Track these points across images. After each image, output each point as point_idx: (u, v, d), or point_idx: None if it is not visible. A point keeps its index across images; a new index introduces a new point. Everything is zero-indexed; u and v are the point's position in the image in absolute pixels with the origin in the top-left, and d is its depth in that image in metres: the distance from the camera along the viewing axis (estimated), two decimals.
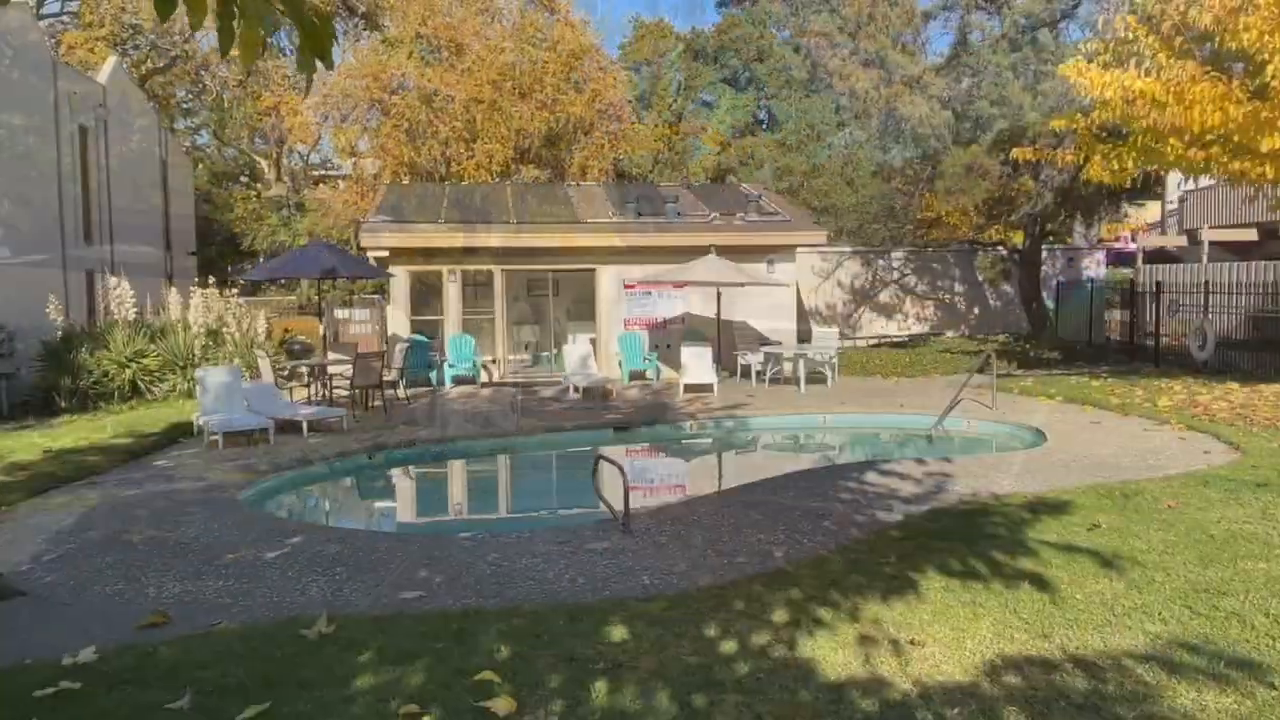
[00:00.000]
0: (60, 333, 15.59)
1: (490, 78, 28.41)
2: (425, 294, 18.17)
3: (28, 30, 17.72)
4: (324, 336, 19.46)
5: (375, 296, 26.19)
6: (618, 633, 4.58)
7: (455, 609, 5.07)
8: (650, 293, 18.34)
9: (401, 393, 16.22)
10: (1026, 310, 19.95)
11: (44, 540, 6.86)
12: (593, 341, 18.47)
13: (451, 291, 17.78)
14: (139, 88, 30.53)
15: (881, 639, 4.38)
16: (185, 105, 35.40)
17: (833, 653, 4.23)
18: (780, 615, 4.77)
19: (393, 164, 27.32)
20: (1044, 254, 23.63)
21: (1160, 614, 4.60)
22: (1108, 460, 9.37)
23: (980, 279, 22.11)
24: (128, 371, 15.41)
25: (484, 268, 17.84)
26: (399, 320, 17.63)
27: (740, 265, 16.99)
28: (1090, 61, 11.71)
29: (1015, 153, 13.35)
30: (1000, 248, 20.12)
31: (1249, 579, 5.07)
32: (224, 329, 16.80)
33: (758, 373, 16.75)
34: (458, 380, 17.30)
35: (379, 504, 10.87)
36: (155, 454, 10.78)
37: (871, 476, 8.65)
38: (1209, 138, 11.08)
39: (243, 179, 34.11)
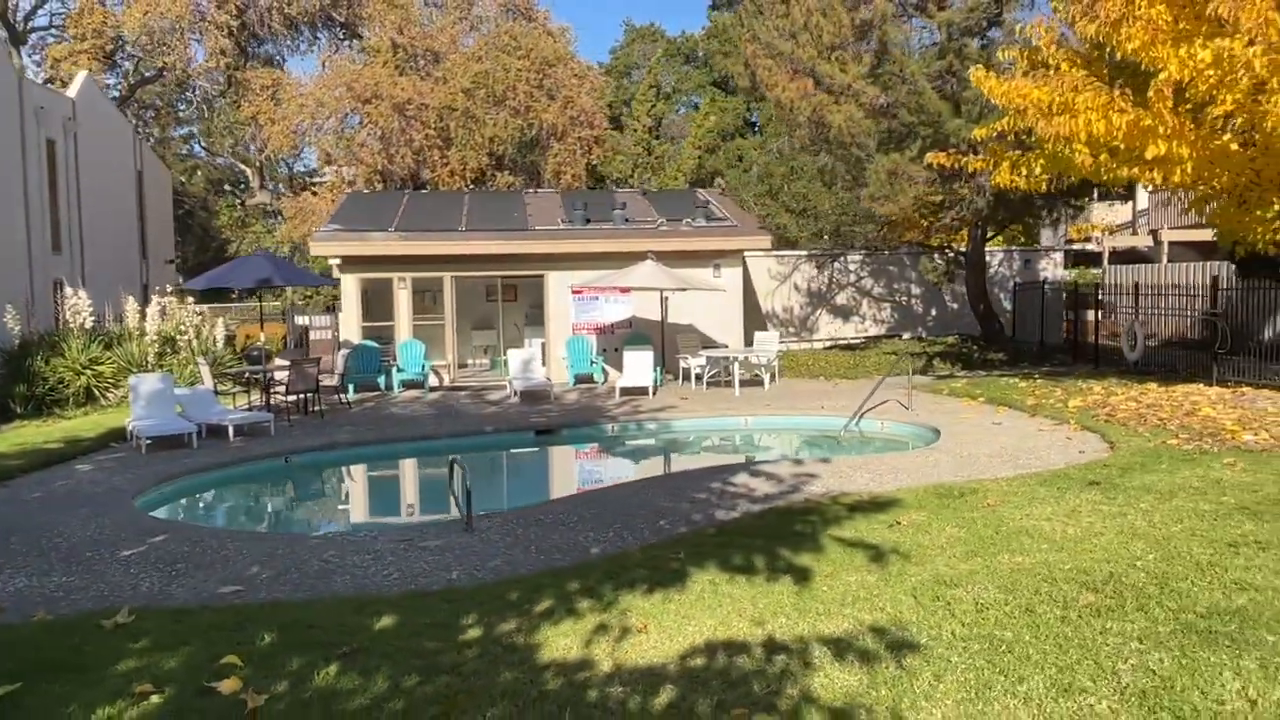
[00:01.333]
0: (18, 341, 16.14)
1: (463, 86, 28.90)
2: (378, 301, 18.63)
3: None
4: (284, 340, 19.97)
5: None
6: (384, 622, 4.99)
7: (255, 602, 5.50)
8: (597, 297, 18.74)
9: (349, 396, 16.71)
10: (975, 312, 20.22)
11: None
12: (544, 346, 18.91)
13: (402, 298, 18.24)
14: (127, 99, 31.23)
15: (615, 626, 4.77)
16: (179, 114, 36.10)
17: (561, 639, 4.63)
18: (544, 605, 5.17)
19: (366, 171, 27.85)
20: (1001, 256, 23.89)
21: (883, 603, 4.97)
22: (980, 459, 9.71)
23: (929, 281, 22.39)
24: (82, 378, 15.91)
25: (434, 275, 18.29)
26: (350, 326, 18.10)
27: (685, 270, 17.41)
28: (990, 70, 12.02)
29: (929, 158, 13.68)
30: (948, 250, 20.39)
31: (993, 571, 5.41)
32: (180, 336, 17.28)
33: (697, 375, 17.12)
34: (407, 385, 17.75)
35: (263, 505, 11.08)
36: (82, 459, 11.25)
37: (741, 477, 9.01)
38: (1099, 145, 11.36)
39: (226, 187, 34.71)
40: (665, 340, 18.28)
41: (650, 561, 6.02)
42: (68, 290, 16.66)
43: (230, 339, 19.70)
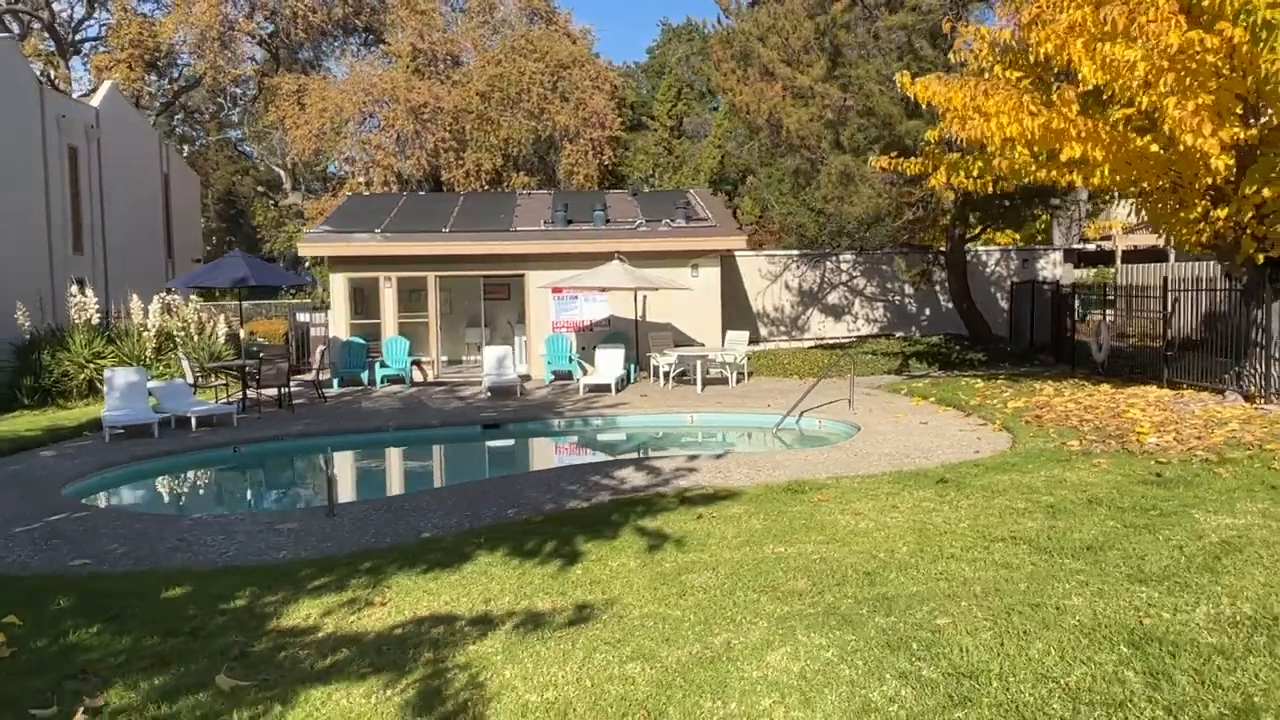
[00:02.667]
0: (28, 336, 17.32)
1: (479, 89, 29.67)
2: (372, 299, 19.44)
3: (12, 61, 19.60)
4: (285, 337, 20.94)
5: None
6: (174, 592, 5.60)
7: (86, 574, 6.16)
8: (576, 297, 19.27)
9: (333, 390, 17.54)
10: (959, 311, 20.20)
11: None
12: (525, 343, 19.52)
13: (387, 296, 19.02)
14: (170, 105, 32.75)
15: (362, 600, 5.29)
16: (222, 119, 37.68)
17: (306, 609, 5.17)
18: (322, 581, 5.71)
19: (382, 173, 28.82)
20: (998, 255, 23.72)
21: (614, 585, 5.38)
22: (871, 456, 9.99)
23: (904, 280, 22.38)
24: (85, 371, 17.01)
25: (418, 274, 19.02)
26: (339, 324, 18.94)
27: (657, 270, 17.87)
28: (951, 72, 12.19)
29: (872, 161, 13.85)
30: (930, 250, 20.39)
31: (744, 560, 5.77)
32: (179, 333, 18.29)
33: (666, 373, 17.52)
34: (390, 380, 18.52)
35: (179, 491, 11.53)
36: (52, 446, 12.19)
37: (625, 471, 9.45)
38: (1014, 148, 11.47)
39: (259, 188, 36.13)
40: (640, 339, 18.72)
41: (456, 545, 6.52)
42: (73, 289, 17.80)
43: (235, 335, 20.71)
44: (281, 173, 35.06)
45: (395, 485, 12.15)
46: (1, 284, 18.03)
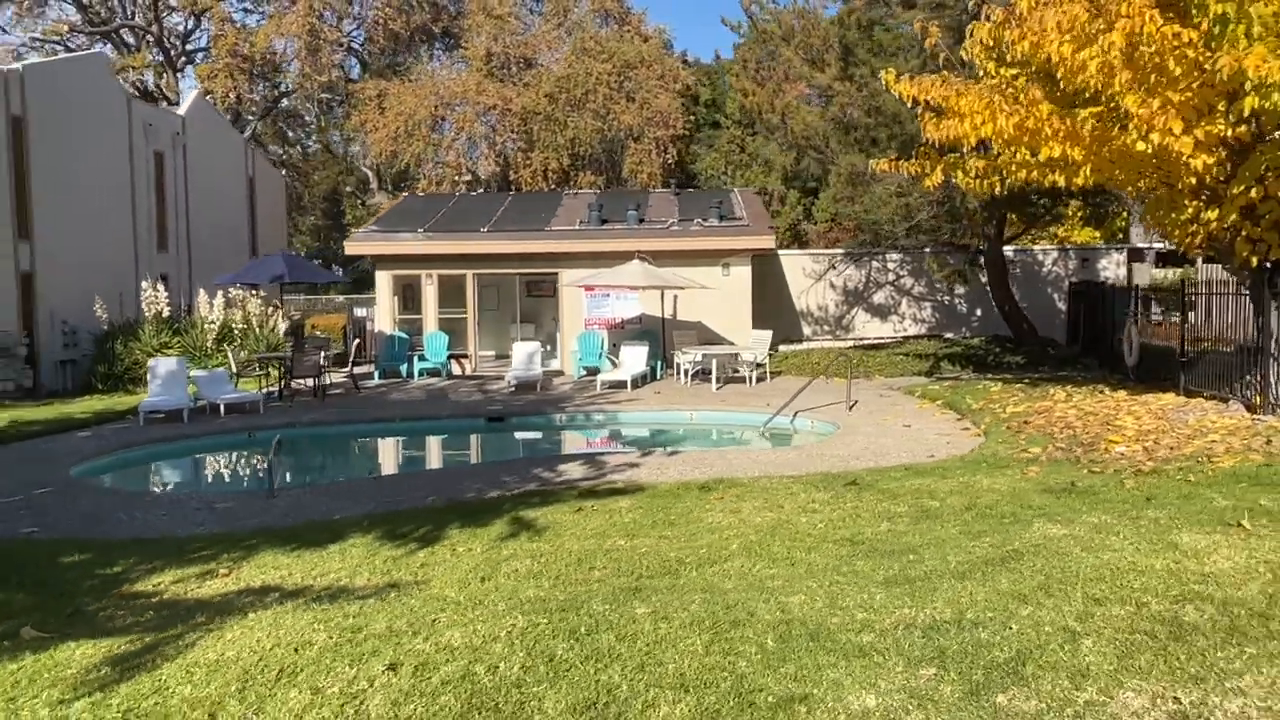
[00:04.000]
0: (105, 328, 18.99)
1: (547, 90, 30.46)
2: (414, 295, 20.41)
3: (103, 74, 21.45)
4: (343, 331, 22.18)
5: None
6: (75, 558, 6.34)
7: (19, 539, 6.99)
8: (609, 294, 19.72)
9: (374, 381, 18.57)
10: (1001, 313, 19.68)
11: None
12: (558, 339, 20.12)
13: (429, 293, 19.93)
14: (270, 110, 34.87)
15: (217, 571, 5.90)
16: (321, 123, 39.81)
17: (169, 577, 5.82)
18: (203, 554, 6.36)
19: (452, 174, 29.97)
20: (1055, 255, 22.91)
21: (439, 569, 5.81)
22: (826, 457, 10.09)
23: (935, 279, 21.86)
24: (155, 357, 18.54)
25: (458, 272, 19.85)
26: (384, 318, 19.98)
27: (684, 269, 18.24)
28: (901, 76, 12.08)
29: (873, 163, 13.75)
30: (970, 250, 19.87)
31: (574, 551, 6.11)
32: (238, 325, 19.65)
33: (687, 371, 17.79)
34: (427, 373, 19.41)
35: (169, 472, 12.31)
36: (91, 428, 13.45)
37: (570, 465, 9.89)
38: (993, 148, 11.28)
39: (347, 189, 38.00)
40: (667, 337, 19.04)
41: (344, 527, 7.09)
42: (145, 284, 19.36)
43: (295, 328, 22.06)
44: (370, 174, 36.80)
45: (362, 471, 12.87)
46: (89, 280, 19.72)
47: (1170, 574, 4.46)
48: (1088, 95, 10.35)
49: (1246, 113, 8.90)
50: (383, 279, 19.96)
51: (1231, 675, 3.32)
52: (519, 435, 14.51)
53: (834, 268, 22.59)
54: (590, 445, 13.89)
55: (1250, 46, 8.59)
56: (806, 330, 23.01)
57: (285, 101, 37.07)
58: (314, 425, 13.79)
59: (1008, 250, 20.58)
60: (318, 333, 22.78)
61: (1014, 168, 11.50)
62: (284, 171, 39.49)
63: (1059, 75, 10.38)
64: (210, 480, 12.38)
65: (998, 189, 13.22)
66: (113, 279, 20.29)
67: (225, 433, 13.20)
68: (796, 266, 22.84)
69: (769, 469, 9.35)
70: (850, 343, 22.31)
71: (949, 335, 22.42)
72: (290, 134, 40.34)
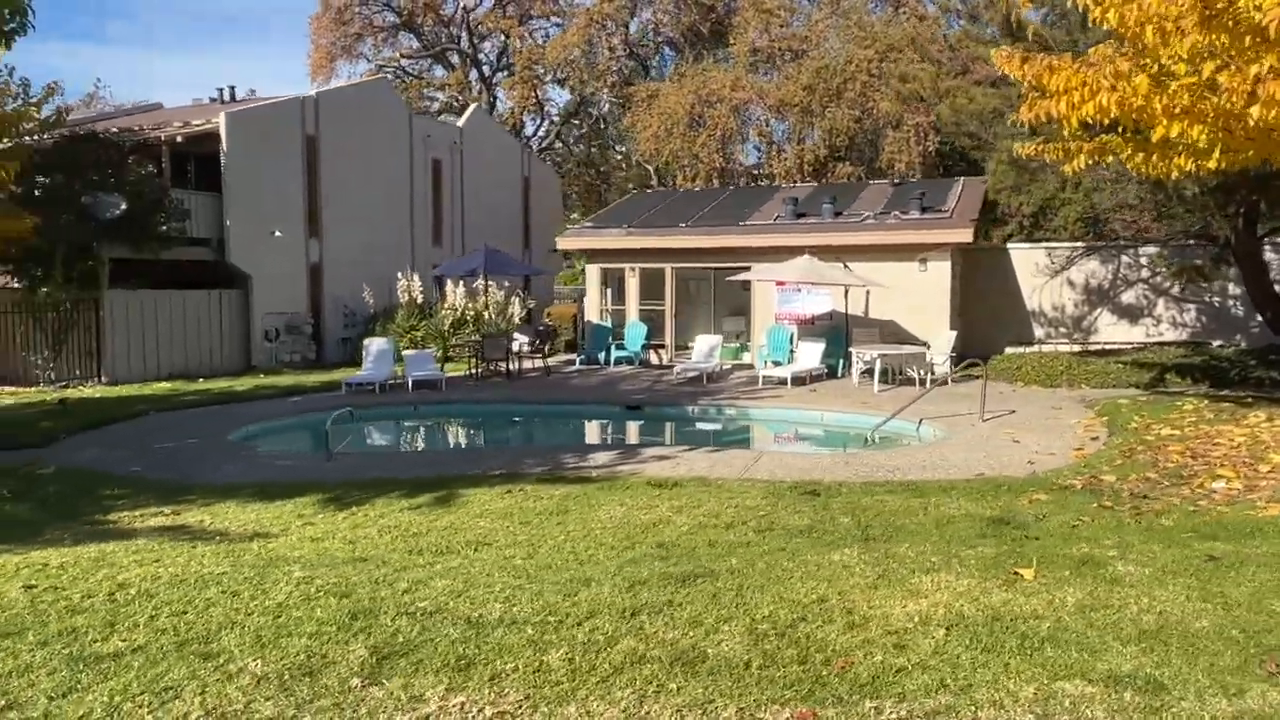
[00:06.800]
0: (372, 312, 22.50)
1: (805, 82, 30.31)
2: (618, 287, 21.69)
3: (388, 95, 25.23)
4: (574, 319, 24.19)
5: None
6: (114, 491, 8.19)
7: (110, 471, 9.08)
8: (799, 289, 19.47)
9: (574, 366, 20.16)
10: (1263, 317, 16.56)
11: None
12: (748, 334, 20.32)
13: (631, 286, 21.09)
14: (571, 117, 38.31)
15: (185, 511, 7.35)
16: (600, 125, 42.63)
17: (150, 511, 7.36)
18: (200, 499, 7.91)
19: (705, 171, 30.90)
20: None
21: (320, 527, 6.78)
22: (871, 464, 9.70)
23: (1227, 280, 18.52)
24: (404, 340, 21.65)
25: (658, 266, 20.78)
26: (592, 309, 21.49)
27: (888, 264, 17.90)
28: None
29: (1017, 148, 12.41)
30: (1215, 241, 16.73)
31: (446, 526, 6.76)
32: (472, 312, 22.17)
33: (864, 370, 17.20)
34: (621, 361, 20.56)
35: (306, 432, 13.46)
36: (310, 394, 16.23)
37: (602, 454, 10.41)
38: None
39: (630, 186, 40.41)
40: (849, 334, 18.48)
41: (342, 489, 8.26)
42: (399, 274, 22.54)
43: (530, 316, 24.35)
44: (651, 171, 38.91)
45: (444, 444, 14.28)
46: (368, 270, 23.30)
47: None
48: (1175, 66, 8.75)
49: None
50: (592, 272, 21.47)
51: None
52: (638, 422, 15.06)
53: (1071, 263, 20.26)
54: (662, 436, 14.35)
55: None
56: (1039, 332, 20.91)
57: (589, 105, 40.25)
58: (475, 403, 15.51)
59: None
60: (548, 321, 24.93)
61: (1130, 151, 9.98)
62: (578, 169, 43.04)
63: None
64: (328, 445, 14.24)
65: (1161, 172, 11.50)
66: (388, 269, 23.77)
67: (397, 404, 15.31)
68: (1028, 261, 20.81)
69: (765, 473, 9.12)
70: (1091, 347, 19.92)
71: (1217, 342, 19.17)
72: (574, 136, 43.64)
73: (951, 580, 4.64)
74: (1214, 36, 7.90)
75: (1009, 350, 19.68)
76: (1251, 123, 8.57)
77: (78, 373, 17.99)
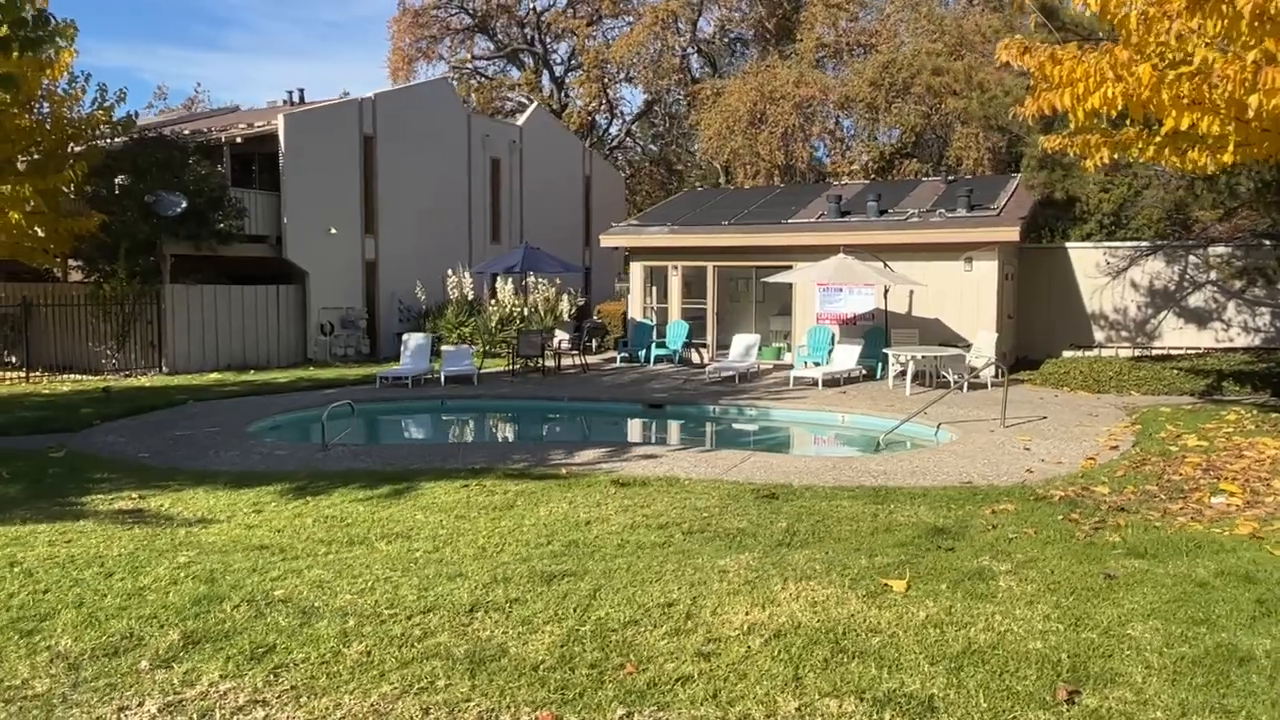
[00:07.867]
0: (423, 308, 23.04)
1: (870, 78, 29.68)
2: (661, 285, 21.63)
3: (447, 96, 25.75)
4: (623, 316, 24.29)
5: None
6: (109, 474, 8.61)
7: (117, 456, 9.55)
8: (841, 289, 19.10)
9: (616, 363, 20.23)
10: None
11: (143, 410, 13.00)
12: (790, 333, 20.02)
13: (674, 284, 21.01)
14: (642, 115, 38.48)
15: (152, 496, 7.69)
16: (668, 123, 42.62)
17: (122, 494, 7.72)
18: (176, 484, 8.25)
19: (766, 168, 30.55)
20: None
21: (270, 517, 6.99)
22: (856, 468, 9.47)
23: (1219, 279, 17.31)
24: (453, 335, 22.13)
25: (700, 264, 20.65)
26: (635, 307, 21.50)
27: (933, 263, 17.60)
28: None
29: (1042, 141, 11.88)
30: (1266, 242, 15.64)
31: (382, 518, 6.89)
32: (520, 309, 22.46)
33: (896, 372, 16.77)
34: (661, 359, 20.51)
35: (306, 425, 13.20)
36: (349, 387, 16.71)
37: (588, 452, 10.41)
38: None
39: (698, 185, 40.27)
40: (890, 334, 18.02)
41: (310, 479, 8.53)
42: (448, 271, 22.99)
43: (580, 313, 24.53)
44: (719, 168, 38.69)
45: (450, 439, 14.47)
46: (424, 266, 23.82)
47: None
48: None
49: None
50: (635, 270, 21.48)
51: None
52: (652, 420, 15.01)
53: (1132, 263, 19.26)
54: (659, 435, 14.29)
55: None
56: (1099, 335, 19.96)
57: (661, 103, 40.29)
58: (498, 399, 15.73)
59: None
60: (596, 318, 25.03)
61: (1142, 145, 9.44)
62: (651, 167, 43.07)
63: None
64: (324, 437, 14.32)
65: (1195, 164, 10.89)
66: (445, 266, 24.25)
67: (424, 399, 15.65)
68: (1088, 261, 19.88)
69: (742, 475, 8.97)
70: (1153, 352, 18.95)
71: None
72: (648, 134, 43.66)
73: (815, 589, 4.50)
74: (1208, 21, 7.44)
75: (1066, 354, 18.90)
76: (1251, 113, 8.04)
77: (141, 363, 18.96)
